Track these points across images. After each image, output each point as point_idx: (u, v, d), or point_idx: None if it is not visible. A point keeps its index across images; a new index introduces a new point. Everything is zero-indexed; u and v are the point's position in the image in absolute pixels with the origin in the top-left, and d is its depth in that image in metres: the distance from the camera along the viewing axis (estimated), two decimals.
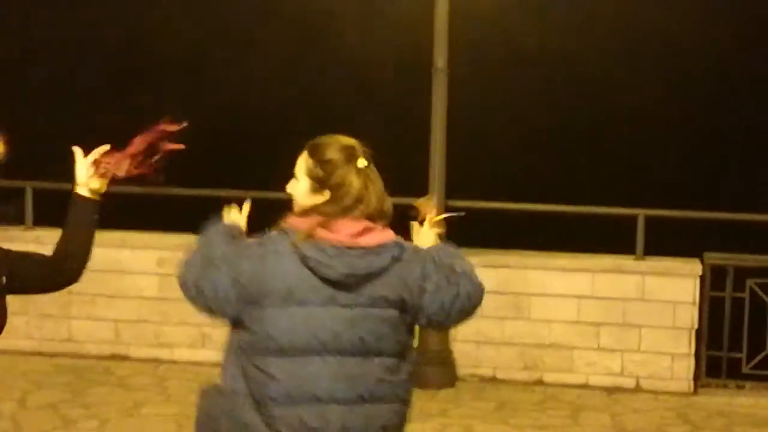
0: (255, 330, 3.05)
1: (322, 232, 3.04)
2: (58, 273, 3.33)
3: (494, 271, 7.90)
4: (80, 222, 3.32)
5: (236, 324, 3.08)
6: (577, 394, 8.06)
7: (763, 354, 8.35)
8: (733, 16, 16.77)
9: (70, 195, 3.33)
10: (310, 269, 3.02)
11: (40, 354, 7.82)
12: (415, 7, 9.92)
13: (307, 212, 3.15)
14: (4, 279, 3.10)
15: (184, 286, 3.15)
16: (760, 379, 8.34)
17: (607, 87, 18.55)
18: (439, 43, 7.96)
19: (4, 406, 6.83)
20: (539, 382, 8.30)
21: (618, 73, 18.29)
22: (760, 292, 8.25)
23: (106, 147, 3.37)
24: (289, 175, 3.34)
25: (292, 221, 3.11)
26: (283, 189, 3.36)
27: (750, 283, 8.25)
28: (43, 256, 3.30)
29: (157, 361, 7.87)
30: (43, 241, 6.97)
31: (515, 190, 11.46)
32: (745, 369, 8.37)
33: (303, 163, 3.26)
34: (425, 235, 3.48)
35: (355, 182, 3.12)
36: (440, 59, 7.95)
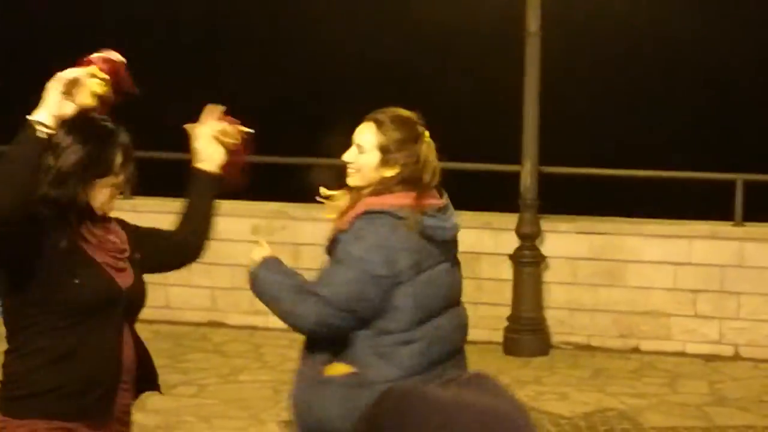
0: (389, 310, 3.27)
1: (423, 201, 3.30)
2: (182, 249, 3.30)
3: (589, 237, 8.01)
4: (202, 197, 3.29)
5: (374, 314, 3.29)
6: (675, 362, 8.03)
7: None
8: None
9: (188, 168, 3.25)
10: (429, 237, 3.27)
11: (138, 321, 8.04)
12: None
13: (388, 187, 3.32)
14: (137, 255, 3.09)
15: (324, 324, 3.19)
16: None
17: (703, 49, 18.33)
18: (532, 7, 7.90)
19: None
20: (635, 350, 8.30)
21: (714, 35, 18.08)
22: None
23: (219, 112, 3.36)
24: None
25: (384, 201, 3.28)
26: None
27: None
28: (167, 232, 3.29)
29: (252, 329, 8.07)
30: (138, 210, 7.12)
31: (610, 156, 11.41)
32: None
33: (372, 136, 3.37)
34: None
35: (430, 156, 3.37)
36: (533, 23, 7.89)
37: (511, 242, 7.75)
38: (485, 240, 8.04)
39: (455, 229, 3.47)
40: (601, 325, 8.50)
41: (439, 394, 2.77)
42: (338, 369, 3.34)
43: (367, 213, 3.28)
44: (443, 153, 3.57)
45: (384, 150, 3.35)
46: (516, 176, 8.17)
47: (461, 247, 3.70)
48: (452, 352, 3.48)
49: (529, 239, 7.59)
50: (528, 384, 7.00)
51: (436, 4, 18.39)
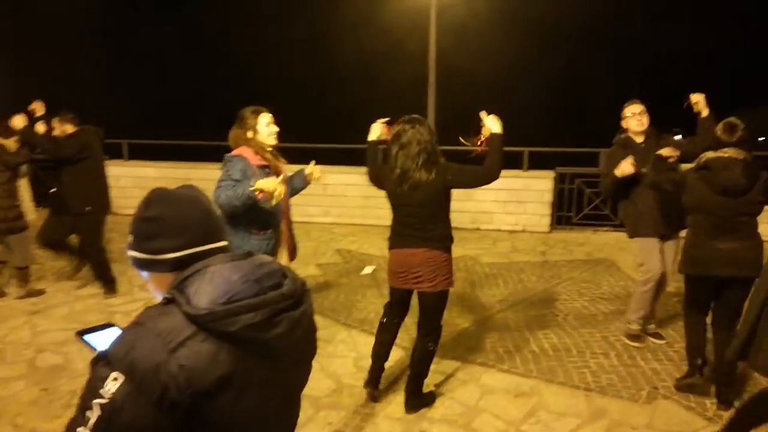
0: None
1: None
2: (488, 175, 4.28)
3: None
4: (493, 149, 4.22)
5: None
6: (495, 234, 11.20)
7: (582, 213, 11.51)
8: None
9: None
10: None
11: None
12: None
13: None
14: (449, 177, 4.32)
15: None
16: (581, 225, 11.52)
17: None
18: (432, 67, 10.11)
19: None
20: (478, 229, 11.47)
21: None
22: (582, 186, 11.37)
23: None
24: None
25: None
26: None
27: (577, 181, 11.46)
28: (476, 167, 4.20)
29: None
30: None
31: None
32: (574, 219, 11.61)
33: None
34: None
35: None
36: (431, 76, 10.19)
37: None
38: None
39: None
40: (463, 218, 11.33)
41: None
42: None
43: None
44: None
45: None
46: None
47: None
48: None
49: None
50: None
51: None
